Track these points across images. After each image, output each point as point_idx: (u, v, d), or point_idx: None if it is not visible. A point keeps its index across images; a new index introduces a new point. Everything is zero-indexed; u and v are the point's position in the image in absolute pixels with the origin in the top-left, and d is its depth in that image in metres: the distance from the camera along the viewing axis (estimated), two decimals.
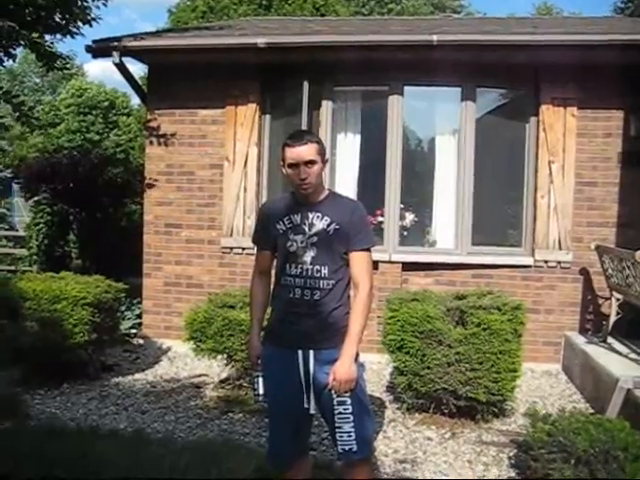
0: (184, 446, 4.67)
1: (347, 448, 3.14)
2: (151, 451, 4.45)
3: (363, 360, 7.07)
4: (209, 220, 7.58)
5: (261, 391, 3.29)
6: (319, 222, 3.15)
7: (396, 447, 4.90)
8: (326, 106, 7.30)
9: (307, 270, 3.14)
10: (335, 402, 3.11)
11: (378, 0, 23.89)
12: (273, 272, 3.33)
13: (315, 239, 3.15)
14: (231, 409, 5.56)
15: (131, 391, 6.01)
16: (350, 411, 3.13)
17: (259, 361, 3.31)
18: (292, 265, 3.16)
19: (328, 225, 3.15)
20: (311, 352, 3.14)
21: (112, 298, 6.23)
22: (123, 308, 7.25)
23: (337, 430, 3.14)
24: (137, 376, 6.51)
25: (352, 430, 3.13)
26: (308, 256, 3.15)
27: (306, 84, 7.01)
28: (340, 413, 3.12)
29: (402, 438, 5.05)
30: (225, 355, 5.70)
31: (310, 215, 3.16)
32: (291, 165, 3.10)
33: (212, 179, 7.57)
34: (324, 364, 3.11)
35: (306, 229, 3.16)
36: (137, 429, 5.05)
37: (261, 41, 6.80)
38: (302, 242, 3.15)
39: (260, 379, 3.29)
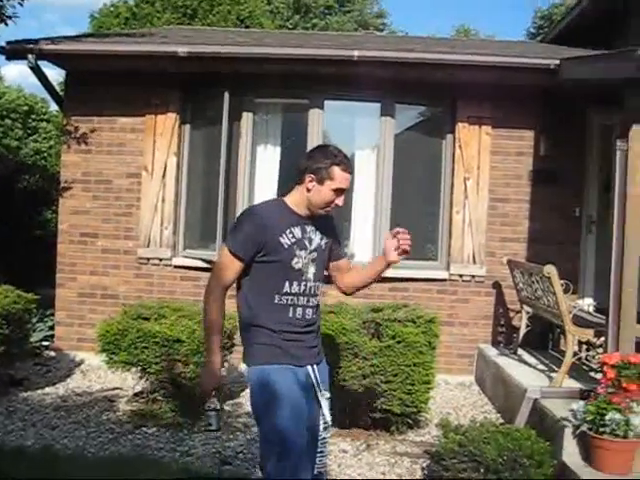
0: (95, 462, 4.56)
1: (322, 470, 3.10)
2: (59, 469, 4.32)
3: None
4: (126, 230, 7.44)
5: (215, 426, 3.05)
6: (316, 237, 3.05)
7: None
8: (247, 118, 7.30)
9: (310, 288, 3.02)
10: (322, 428, 3.06)
11: (303, 15, 24.07)
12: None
13: (315, 255, 3.03)
14: (145, 423, 5.46)
15: (40, 406, 5.82)
16: (329, 436, 3.12)
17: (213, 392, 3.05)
18: (294, 282, 2.97)
19: (321, 240, 3.08)
20: (316, 367, 3.08)
21: (22, 309, 6.02)
22: (34, 320, 7.00)
23: (319, 454, 3.04)
24: (47, 390, 6.31)
25: (326, 454, 3.13)
26: (310, 273, 3.01)
27: (227, 95, 6.98)
28: (324, 438, 3.07)
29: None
30: (139, 368, 5.57)
31: (308, 229, 3.03)
32: (337, 190, 3.00)
33: (130, 188, 7.43)
34: (321, 381, 3.08)
35: (307, 244, 3.01)
36: (45, 446, 4.89)
37: (182, 50, 6.75)
38: (305, 258, 3.00)
39: (214, 412, 3.02)
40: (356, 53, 6.59)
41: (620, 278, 4.99)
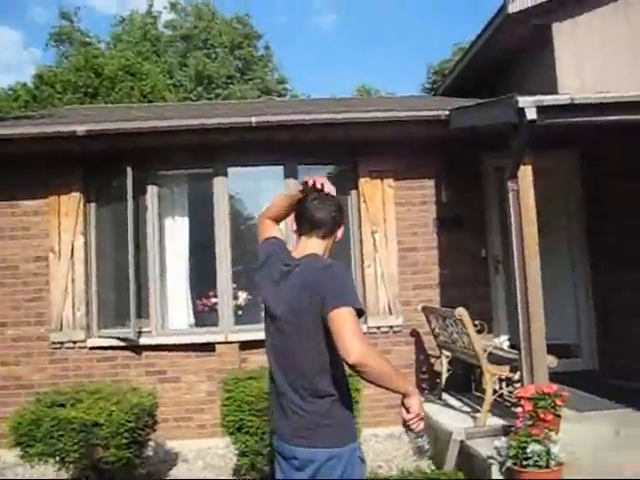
0: None
1: None
2: None
3: (208, 446, 6.90)
4: (36, 315, 7.20)
5: (428, 447, 2.93)
6: None
7: None
8: (151, 191, 7.28)
9: None
10: None
11: (205, 86, 24.36)
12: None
13: None
14: None
15: None
16: None
17: None
18: None
19: None
20: None
21: None
22: None
23: None
24: None
25: None
26: None
27: (129, 170, 6.95)
28: None
29: None
30: (57, 458, 5.33)
31: None
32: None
33: (37, 272, 7.23)
34: None
35: None
36: None
37: (80, 129, 6.72)
38: None
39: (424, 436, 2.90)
40: (254, 119, 6.72)
41: (527, 313, 5.16)
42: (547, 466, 4.30)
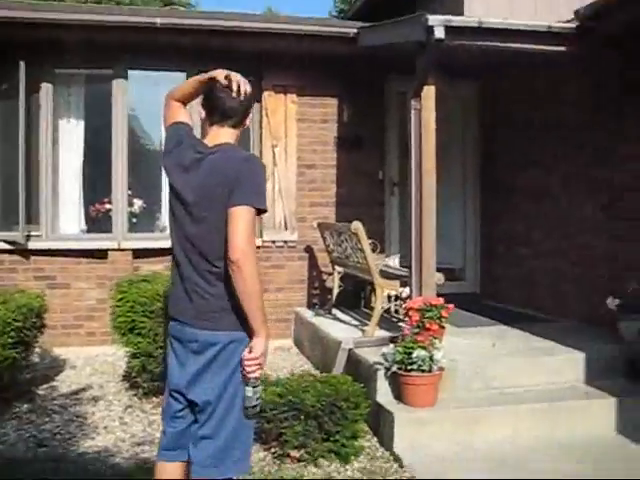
0: None
1: None
2: None
3: (97, 353, 6.84)
4: None
5: (257, 401, 2.82)
6: None
7: (133, 431, 4.83)
8: (46, 89, 6.94)
9: None
10: None
11: None
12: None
13: None
14: None
15: None
16: None
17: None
18: None
19: None
20: None
21: None
22: None
23: None
24: None
25: None
26: None
27: (22, 65, 6.57)
28: None
29: (139, 422, 4.99)
30: None
31: None
32: None
33: None
34: None
35: None
36: None
37: None
38: None
39: (259, 387, 2.82)
40: (159, 20, 6.47)
41: (420, 229, 5.34)
42: (430, 370, 4.54)
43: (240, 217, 2.66)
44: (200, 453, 2.85)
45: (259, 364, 2.76)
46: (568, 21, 5.42)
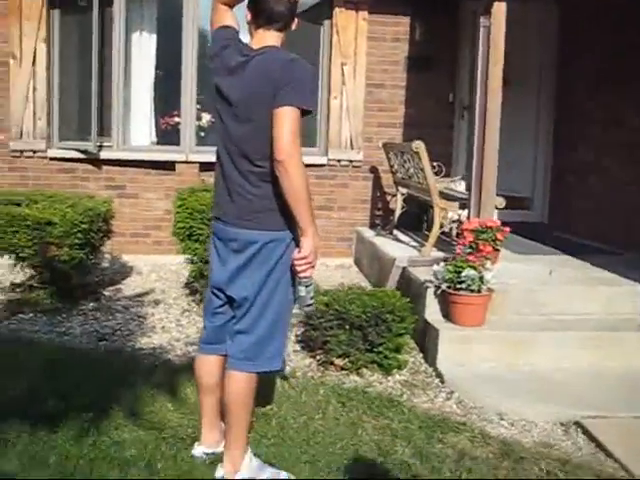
0: None
1: None
2: None
3: (163, 262, 7.04)
4: None
5: (311, 300, 2.94)
6: None
7: (188, 333, 5.04)
8: (119, 2, 7.00)
9: None
10: None
11: None
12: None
13: None
14: (21, 310, 5.38)
15: None
16: None
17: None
18: None
19: None
20: None
21: None
22: None
23: None
24: None
25: None
26: None
27: None
28: None
29: (194, 325, 5.19)
30: (12, 255, 5.44)
31: None
32: None
33: None
34: None
35: None
36: None
37: None
38: None
39: (311, 285, 2.93)
40: None
41: (482, 149, 5.22)
42: (479, 291, 4.52)
43: (285, 117, 2.69)
44: (235, 347, 2.97)
45: (309, 263, 2.84)
46: None
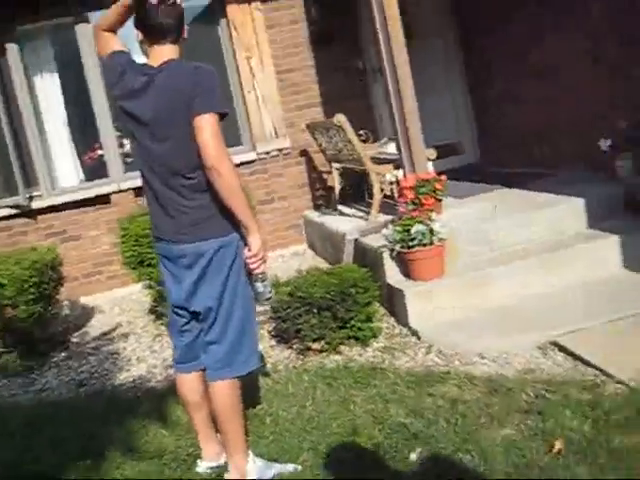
0: None
1: None
2: None
3: (122, 294, 6.96)
4: None
5: (269, 294, 3.02)
6: None
7: (164, 357, 5.05)
8: (12, 49, 6.90)
9: None
10: None
11: None
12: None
13: None
14: None
15: None
16: None
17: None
18: None
19: None
20: None
21: None
22: None
23: None
24: None
25: None
26: None
27: None
28: None
29: (169, 347, 5.08)
30: None
31: None
32: None
33: None
34: None
35: None
36: None
37: None
38: None
39: (267, 280, 3.00)
40: None
41: (402, 106, 5.28)
42: (431, 243, 4.62)
43: (206, 124, 2.73)
44: (210, 358, 3.02)
45: (261, 258, 2.89)
46: None
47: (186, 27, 2.97)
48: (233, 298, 2.95)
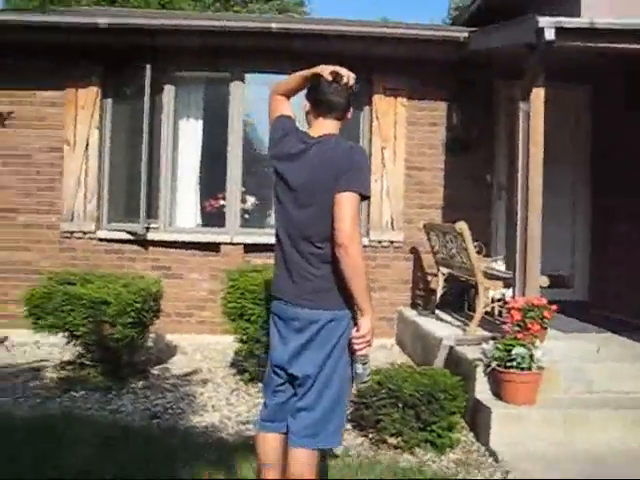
0: (22, 421, 4.58)
1: None
2: None
3: (207, 341, 7.10)
4: (48, 204, 7.40)
5: (367, 377, 3.04)
6: None
7: (239, 411, 5.10)
8: (168, 90, 7.39)
9: None
10: None
11: (224, 3, 24.00)
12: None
13: None
14: (73, 388, 5.48)
15: None
16: None
17: None
18: None
19: None
20: None
21: None
22: None
23: None
24: None
25: None
26: None
27: (148, 68, 7.04)
28: None
29: (245, 403, 5.25)
30: (66, 332, 5.59)
31: None
32: None
33: (52, 162, 7.40)
34: None
35: None
36: None
37: (102, 21, 6.77)
38: None
39: (367, 363, 3.02)
40: (274, 25, 6.78)
41: (525, 228, 5.33)
42: (529, 369, 4.55)
43: (347, 202, 2.83)
44: (297, 423, 3.03)
45: (367, 341, 2.92)
46: None
47: (351, 109, 3.14)
48: (333, 371, 2.98)
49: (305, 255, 2.99)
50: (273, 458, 3.18)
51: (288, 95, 3.28)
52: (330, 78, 3.02)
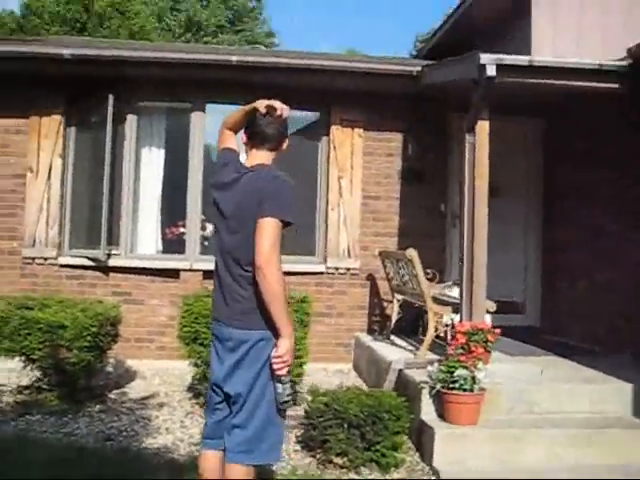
0: None
1: None
2: None
3: (166, 367, 7.15)
4: (9, 230, 7.48)
5: (290, 397, 3.10)
6: None
7: (192, 433, 5.19)
8: (131, 120, 7.54)
9: None
10: None
11: (194, 33, 24.35)
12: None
13: None
14: (29, 411, 5.53)
15: None
16: None
17: None
18: None
19: None
20: None
21: None
22: None
23: None
24: None
25: None
26: None
27: (111, 97, 7.20)
28: None
29: (198, 426, 5.31)
30: (23, 357, 5.66)
31: None
32: None
33: (14, 189, 7.49)
34: None
35: None
36: None
37: (67, 52, 6.92)
38: None
39: (289, 384, 3.10)
40: (234, 58, 6.98)
41: (471, 256, 5.55)
42: (472, 390, 4.72)
43: (267, 227, 3.00)
44: (232, 440, 3.16)
45: (284, 362, 3.05)
46: (621, 59, 5.58)
47: (287, 141, 3.33)
48: (264, 389, 3.11)
49: (236, 278, 3.15)
50: (211, 474, 3.30)
51: (234, 129, 3.47)
52: (264, 111, 3.21)
